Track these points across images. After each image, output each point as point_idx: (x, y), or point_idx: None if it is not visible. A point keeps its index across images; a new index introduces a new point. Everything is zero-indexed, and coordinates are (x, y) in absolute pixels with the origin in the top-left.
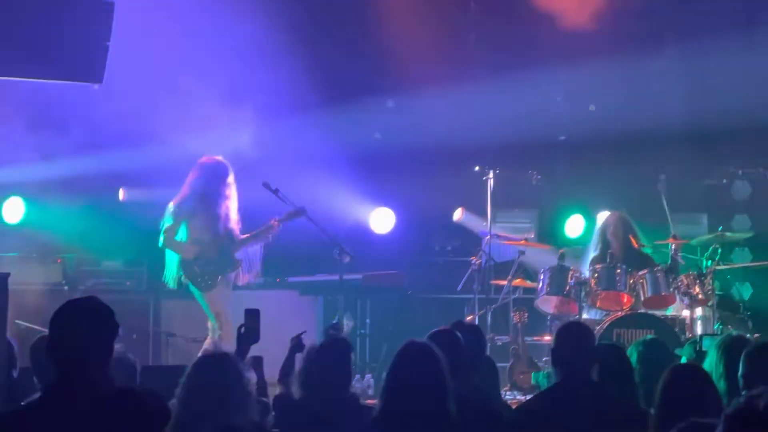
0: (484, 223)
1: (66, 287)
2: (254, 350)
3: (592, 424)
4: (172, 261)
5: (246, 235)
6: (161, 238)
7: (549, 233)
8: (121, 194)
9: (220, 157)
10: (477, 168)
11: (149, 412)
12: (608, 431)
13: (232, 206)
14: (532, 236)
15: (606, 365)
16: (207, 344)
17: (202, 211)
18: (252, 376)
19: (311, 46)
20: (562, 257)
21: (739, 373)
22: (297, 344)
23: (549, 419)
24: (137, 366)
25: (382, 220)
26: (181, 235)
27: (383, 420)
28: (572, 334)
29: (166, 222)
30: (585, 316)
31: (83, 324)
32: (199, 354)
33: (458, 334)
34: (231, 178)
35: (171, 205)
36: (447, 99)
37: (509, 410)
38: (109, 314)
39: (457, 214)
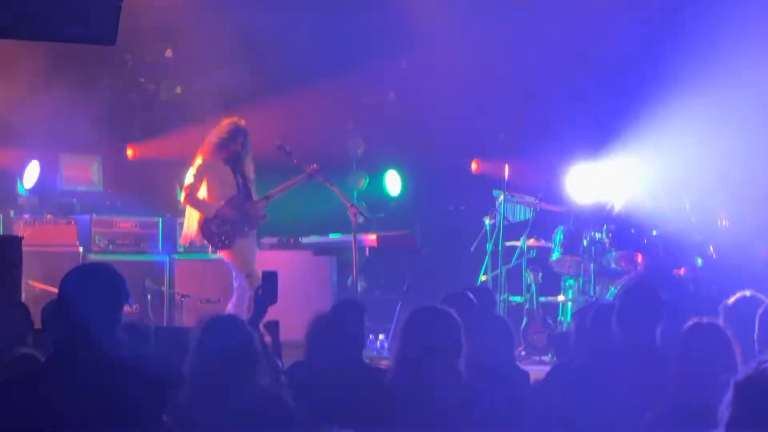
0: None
1: (80, 248)
2: (272, 313)
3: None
4: (192, 219)
5: (277, 189)
6: (182, 196)
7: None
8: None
9: (238, 119)
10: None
11: (160, 378)
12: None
13: (249, 166)
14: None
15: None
16: (230, 306)
17: (222, 170)
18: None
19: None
20: (575, 216)
21: (755, 335)
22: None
23: (603, 381)
24: (151, 328)
25: (394, 181)
26: (202, 193)
27: (396, 382)
28: (638, 294)
29: (188, 180)
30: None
31: (93, 289)
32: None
33: (471, 296)
34: (248, 140)
35: (193, 164)
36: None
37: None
38: (120, 281)
39: (474, 166)
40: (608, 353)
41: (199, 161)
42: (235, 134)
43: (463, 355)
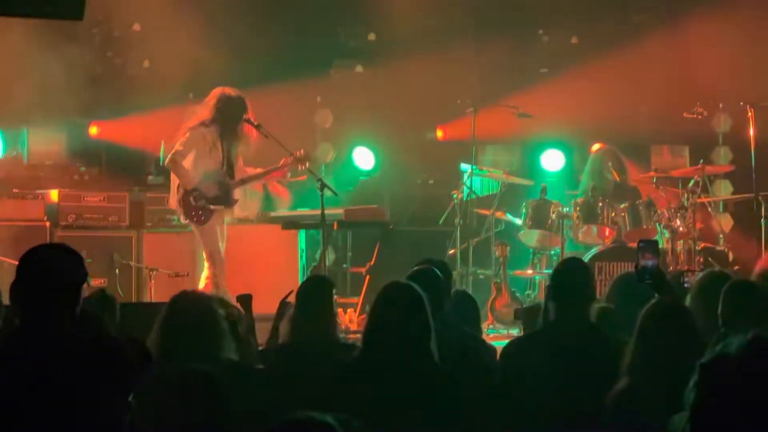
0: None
1: (47, 223)
2: (242, 288)
3: (586, 365)
4: (173, 185)
5: (251, 173)
6: (168, 158)
7: (531, 167)
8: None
9: (236, 91)
10: (459, 101)
11: (124, 359)
12: (603, 372)
13: (241, 143)
14: (514, 170)
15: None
16: (205, 283)
17: (213, 142)
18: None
19: None
20: (543, 190)
21: (718, 311)
22: (284, 305)
23: (540, 359)
24: (116, 302)
25: (364, 156)
26: (188, 161)
27: (364, 360)
28: (571, 270)
29: (177, 145)
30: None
31: (51, 268)
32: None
33: (437, 271)
34: (248, 115)
35: (184, 131)
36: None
37: (489, 349)
38: (78, 260)
39: (440, 133)
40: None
41: (191, 127)
42: (237, 107)
43: (433, 333)
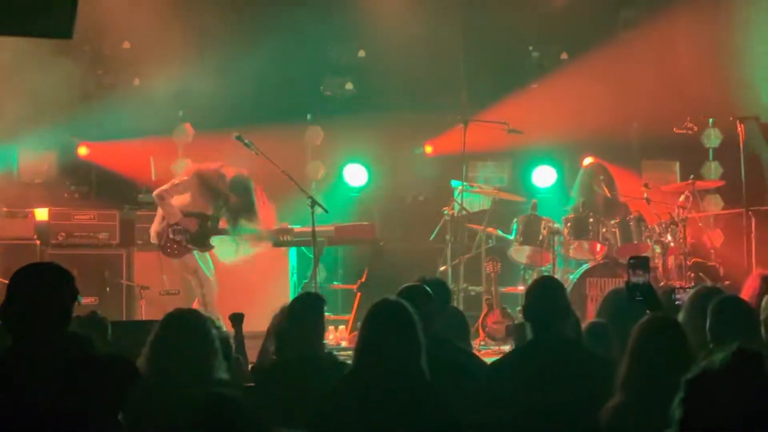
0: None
1: (38, 241)
2: (233, 306)
3: (565, 382)
4: (157, 216)
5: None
6: (157, 193)
7: (521, 183)
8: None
9: (247, 173)
10: (449, 118)
11: (114, 377)
12: (582, 389)
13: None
14: (505, 186)
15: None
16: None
17: (203, 193)
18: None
19: None
20: (534, 207)
21: (707, 326)
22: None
23: (522, 377)
24: (108, 323)
25: (354, 173)
26: (175, 200)
27: (355, 377)
28: (543, 290)
29: (169, 184)
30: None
31: (40, 289)
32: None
33: (428, 288)
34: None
35: (182, 172)
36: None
37: (479, 362)
38: (68, 280)
39: (429, 149)
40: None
41: (186, 177)
42: (235, 185)
43: (424, 351)
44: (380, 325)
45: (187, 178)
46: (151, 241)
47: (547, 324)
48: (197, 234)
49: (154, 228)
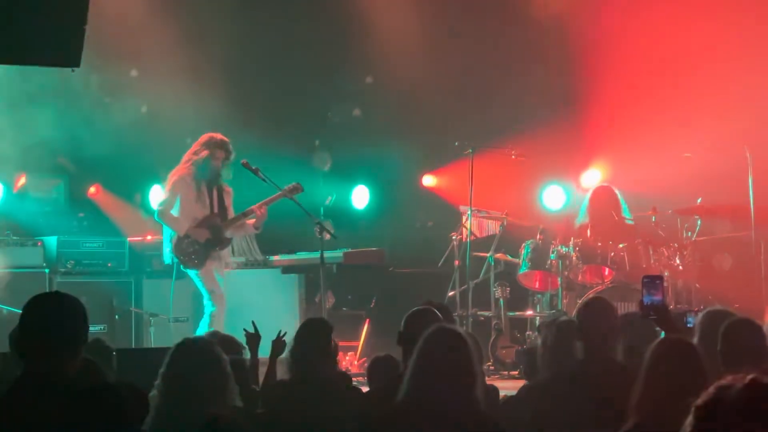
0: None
1: (47, 270)
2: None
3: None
4: (165, 235)
5: (233, 216)
6: (157, 209)
7: (531, 206)
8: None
9: (221, 135)
10: (456, 143)
11: (124, 408)
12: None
13: (228, 186)
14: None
15: None
16: (209, 321)
17: (198, 187)
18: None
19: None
20: (542, 232)
21: (718, 349)
22: (278, 345)
23: (570, 399)
24: (112, 352)
25: (360, 197)
26: (175, 209)
27: (408, 404)
28: (597, 310)
29: (162, 195)
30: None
31: (53, 318)
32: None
33: (437, 312)
34: (230, 157)
35: (169, 179)
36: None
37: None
38: (80, 309)
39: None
40: (571, 369)
41: (174, 176)
42: (213, 149)
43: (480, 379)
44: (435, 352)
45: (176, 178)
46: (165, 262)
47: (599, 344)
48: (210, 237)
49: (167, 250)
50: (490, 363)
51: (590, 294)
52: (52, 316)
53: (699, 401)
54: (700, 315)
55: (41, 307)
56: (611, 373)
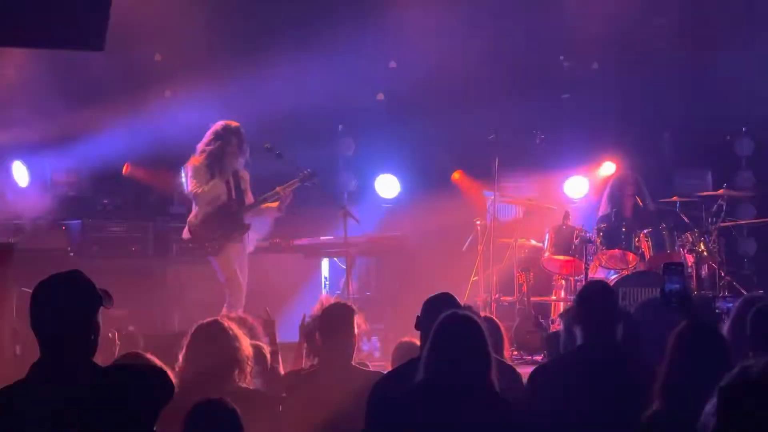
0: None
1: (71, 253)
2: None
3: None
4: (190, 217)
5: (253, 201)
6: (189, 190)
7: (554, 192)
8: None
9: (236, 123)
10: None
11: (147, 389)
12: (631, 397)
13: (244, 171)
14: (536, 195)
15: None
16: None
17: (216, 174)
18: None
19: None
20: (566, 216)
21: (747, 334)
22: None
23: (568, 384)
24: (139, 338)
25: (387, 185)
26: (194, 199)
27: (425, 390)
28: (597, 294)
29: (192, 187)
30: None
31: (62, 299)
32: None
33: (455, 297)
34: (245, 144)
35: (185, 170)
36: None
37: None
38: (88, 289)
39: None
40: (574, 354)
41: (190, 166)
42: (227, 137)
43: (493, 363)
44: (448, 338)
45: (191, 168)
46: (185, 238)
47: (598, 328)
48: (228, 225)
49: (186, 230)
50: (513, 348)
51: (614, 279)
52: (56, 300)
53: (723, 383)
54: (740, 300)
55: (45, 293)
56: (611, 356)
